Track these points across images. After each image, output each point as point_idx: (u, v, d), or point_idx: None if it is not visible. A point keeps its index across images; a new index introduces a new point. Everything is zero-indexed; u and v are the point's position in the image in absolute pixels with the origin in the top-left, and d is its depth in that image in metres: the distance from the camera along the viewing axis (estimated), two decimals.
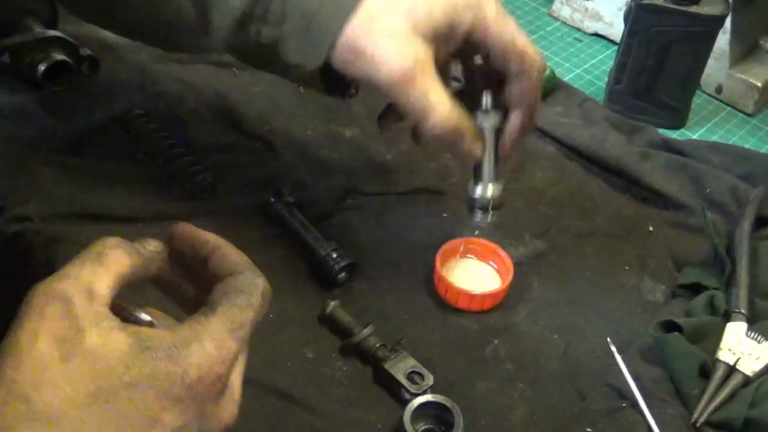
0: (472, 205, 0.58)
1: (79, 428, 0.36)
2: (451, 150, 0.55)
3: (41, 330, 0.36)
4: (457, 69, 0.59)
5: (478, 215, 0.58)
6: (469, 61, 0.58)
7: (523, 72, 0.54)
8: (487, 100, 0.56)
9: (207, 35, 0.57)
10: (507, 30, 0.53)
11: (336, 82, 0.57)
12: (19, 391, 0.35)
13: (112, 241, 0.43)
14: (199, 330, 0.39)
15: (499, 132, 0.57)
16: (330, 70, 0.54)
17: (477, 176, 0.58)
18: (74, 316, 0.37)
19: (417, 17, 0.50)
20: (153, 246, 0.46)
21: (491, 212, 0.58)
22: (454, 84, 0.60)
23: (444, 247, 0.66)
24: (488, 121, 0.56)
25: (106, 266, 0.40)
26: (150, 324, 0.41)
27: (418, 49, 0.50)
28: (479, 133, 0.56)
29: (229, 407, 0.41)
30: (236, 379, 0.41)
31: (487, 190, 0.57)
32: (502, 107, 0.56)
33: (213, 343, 0.39)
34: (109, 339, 0.37)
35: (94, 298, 0.38)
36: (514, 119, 0.56)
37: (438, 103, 0.51)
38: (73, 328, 0.36)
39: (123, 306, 0.40)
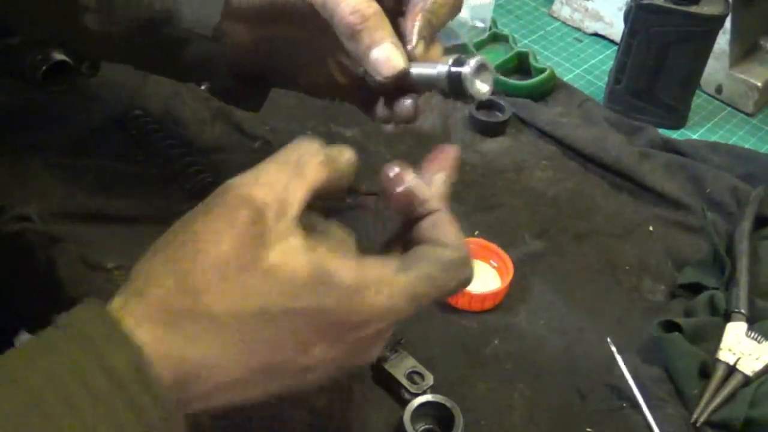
0: (453, 85, 0.47)
1: (235, 339, 0.36)
2: (368, 50, 0.48)
3: (228, 233, 0.36)
4: None
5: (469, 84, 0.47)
6: None
7: None
8: None
9: (108, 28, 0.55)
10: None
11: (242, 81, 0.56)
12: (190, 284, 0.36)
13: (312, 148, 0.41)
14: (381, 280, 0.38)
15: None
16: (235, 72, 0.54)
17: (429, 82, 0.48)
18: (263, 227, 0.36)
19: None
20: (347, 157, 0.42)
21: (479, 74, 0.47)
22: None
23: None
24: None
25: (302, 178, 0.39)
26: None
27: None
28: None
29: (374, 353, 0.41)
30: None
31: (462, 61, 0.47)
32: None
33: (389, 301, 0.38)
34: (290, 261, 0.36)
35: (286, 211, 0.37)
36: (408, 19, 0.50)
37: None
38: (259, 241, 0.36)
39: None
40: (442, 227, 0.41)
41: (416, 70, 0.48)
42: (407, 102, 0.51)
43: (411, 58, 0.49)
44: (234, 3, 0.52)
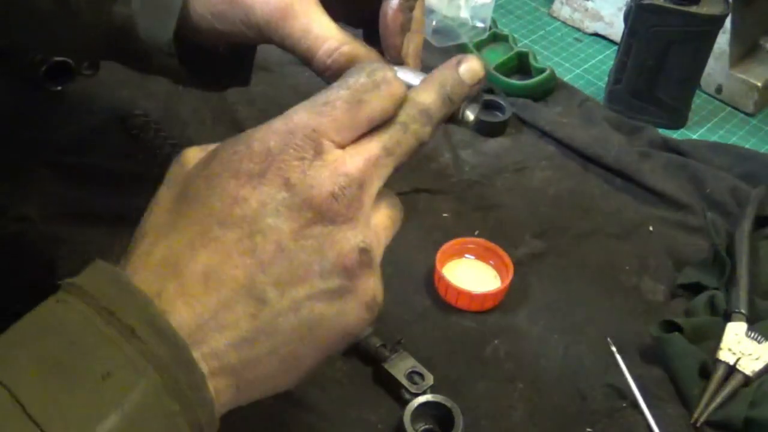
0: None
1: (170, 232, 0.38)
2: None
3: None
4: None
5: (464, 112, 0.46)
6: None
7: None
8: None
9: (68, 30, 0.55)
10: None
11: (203, 68, 0.55)
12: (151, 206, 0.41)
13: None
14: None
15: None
16: (188, 42, 0.52)
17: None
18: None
19: None
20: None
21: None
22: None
23: (444, 247, 0.66)
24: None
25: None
26: None
27: None
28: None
29: (322, 172, 0.38)
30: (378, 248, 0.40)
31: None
32: None
33: (282, 119, 0.40)
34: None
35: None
36: (388, 15, 0.48)
37: (327, 30, 0.46)
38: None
39: None
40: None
41: (404, 77, 0.47)
42: None
43: (400, 62, 0.48)
44: (191, 21, 0.51)
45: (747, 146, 0.87)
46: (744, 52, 0.95)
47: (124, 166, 0.71)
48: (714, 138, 0.89)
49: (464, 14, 0.93)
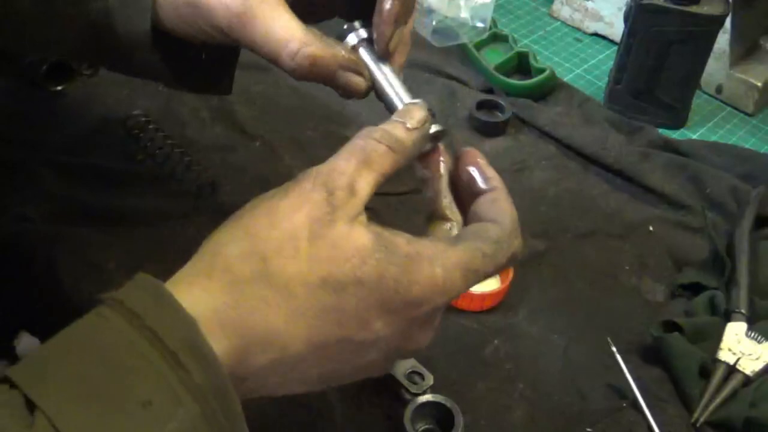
0: None
1: (300, 308, 0.38)
2: (333, 85, 0.47)
3: (302, 208, 0.39)
4: None
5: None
6: None
7: None
8: (350, 13, 0.48)
9: (48, 29, 0.53)
10: None
11: (180, 58, 0.53)
12: (262, 250, 0.38)
13: (377, 134, 0.43)
14: (436, 254, 0.40)
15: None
16: (165, 40, 0.51)
17: (390, 107, 0.47)
18: (332, 206, 0.39)
19: None
20: (416, 123, 0.44)
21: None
22: None
23: None
24: (361, 35, 0.47)
25: (371, 167, 0.41)
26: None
27: None
28: (358, 59, 0.47)
29: (429, 334, 0.42)
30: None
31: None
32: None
33: (443, 273, 0.39)
34: (353, 232, 0.39)
35: (355, 195, 0.40)
36: (386, 4, 0.47)
37: (288, 31, 0.45)
38: (328, 216, 0.39)
39: None
40: (499, 203, 0.45)
41: (382, 83, 0.48)
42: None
43: (386, 54, 0.48)
44: (161, 19, 0.50)
45: (747, 146, 0.87)
46: (744, 52, 0.95)
47: (124, 166, 0.71)
48: (714, 138, 0.89)
49: (464, 14, 0.93)
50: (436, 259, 0.39)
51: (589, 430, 0.56)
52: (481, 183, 0.46)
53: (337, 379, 0.41)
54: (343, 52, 0.46)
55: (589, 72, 0.99)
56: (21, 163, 0.68)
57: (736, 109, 0.94)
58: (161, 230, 0.65)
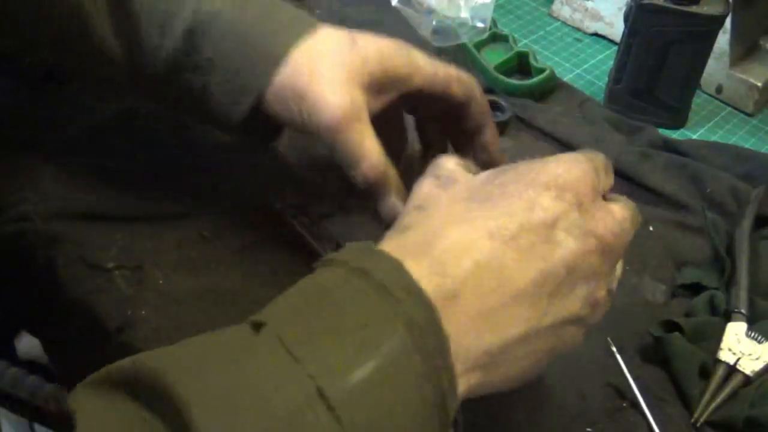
0: None
1: (466, 210, 0.41)
2: (377, 200, 0.55)
3: (423, 181, 0.46)
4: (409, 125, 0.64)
5: None
6: (421, 116, 0.63)
7: (470, 91, 0.58)
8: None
9: (138, 81, 0.58)
10: (439, 66, 0.56)
11: (262, 128, 0.59)
12: (417, 203, 0.44)
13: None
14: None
15: None
16: (257, 116, 0.56)
17: None
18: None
19: (353, 66, 0.53)
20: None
21: None
22: None
23: None
24: None
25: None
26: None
27: (356, 96, 0.52)
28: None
29: (609, 218, 0.44)
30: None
31: None
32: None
33: (567, 157, 0.44)
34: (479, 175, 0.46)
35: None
36: (487, 135, 0.60)
37: (370, 151, 0.52)
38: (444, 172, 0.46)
39: None
40: None
41: None
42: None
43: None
44: (264, 108, 0.55)
45: (747, 146, 0.87)
46: (744, 52, 0.95)
47: (124, 166, 0.71)
48: (714, 138, 0.89)
49: (464, 14, 0.93)
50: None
51: (589, 430, 0.56)
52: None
53: (535, 367, 0.43)
54: (400, 187, 0.54)
55: (589, 72, 0.99)
56: (21, 162, 0.68)
57: (736, 109, 0.94)
58: (161, 230, 0.65)
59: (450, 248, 0.39)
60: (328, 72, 0.52)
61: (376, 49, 0.54)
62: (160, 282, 0.60)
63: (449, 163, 0.46)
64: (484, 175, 0.45)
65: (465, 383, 0.39)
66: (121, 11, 0.56)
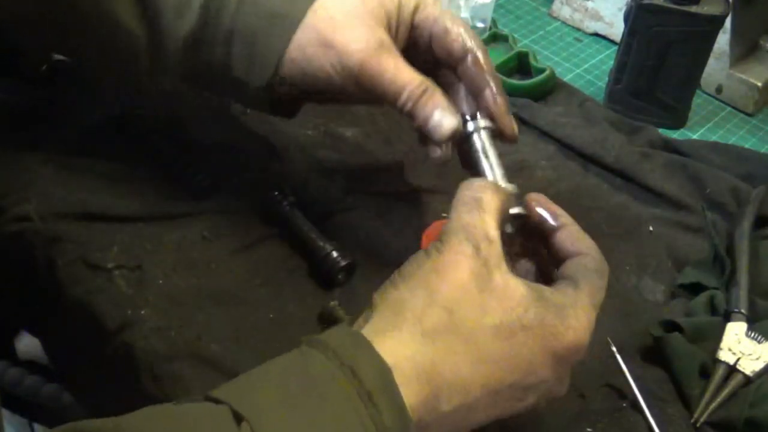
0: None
1: (481, 353, 0.41)
2: (427, 118, 0.54)
3: (462, 263, 0.42)
4: None
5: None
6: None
7: (470, 49, 0.56)
8: (468, 109, 0.58)
9: (159, 62, 0.59)
10: (443, 12, 0.57)
11: (282, 99, 0.60)
12: (442, 302, 0.41)
13: (480, 183, 0.48)
14: (573, 300, 0.44)
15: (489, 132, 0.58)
16: (278, 84, 0.57)
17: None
18: (483, 258, 0.43)
19: (371, 7, 0.55)
20: (510, 187, 0.51)
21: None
22: None
23: (429, 230, 0.66)
24: (480, 125, 0.57)
25: (488, 211, 0.45)
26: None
27: (381, 34, 0.54)
28: (470, 139, 0.56)
29: (565, 386, 0.46)
30: None
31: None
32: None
33: (584, 315, 0.43)
34: (510, 281, 0.42)
35: (492, 243, 0.44)
36: (488, 98, 0.57)
37: (410, 75, 0.53)
38: (484, 269, 0.42)
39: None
40: (581, 238, 0.49)
41: (485, 168, 0.55)
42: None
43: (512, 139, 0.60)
44: (284, 72, 0.56)
45: (747, 146, 0.87)
46: (744, 52, 0.95)
47: (123, 166, 0.71)
48: (714, 138, 0.89)
49: (464, 14, 0.93)
50: (576, 305, 0.43)
51: (589, 430, 0.56)
52: (552, 221, 0.50)
53: (495, 418, 0.44)
54: (448, 103, 0.54)
55: (589, 72, 0.99)
56: (21, 162, 0.68)
57: (736, 109, 0.94)
58: (161, 230, 0.65)
59: (452, 384, 0.40)
60: (350, 20, 0.54)
61: None
62: (160, 282, 0.60)
63: (491, 230, 0.44)
64: (516, 300, 0.42)
65: None
66: None
